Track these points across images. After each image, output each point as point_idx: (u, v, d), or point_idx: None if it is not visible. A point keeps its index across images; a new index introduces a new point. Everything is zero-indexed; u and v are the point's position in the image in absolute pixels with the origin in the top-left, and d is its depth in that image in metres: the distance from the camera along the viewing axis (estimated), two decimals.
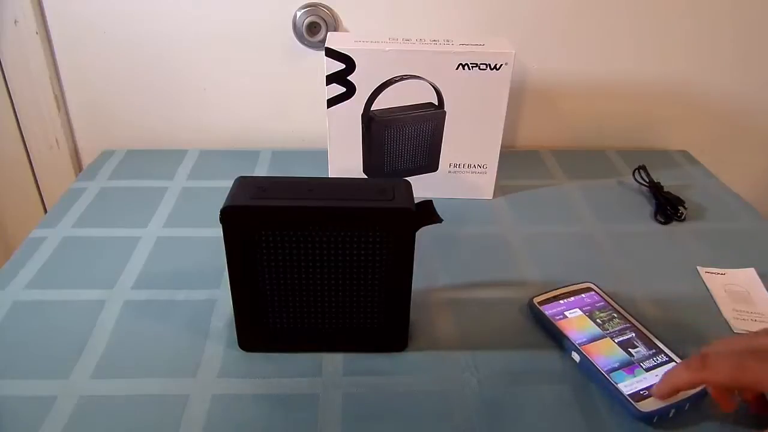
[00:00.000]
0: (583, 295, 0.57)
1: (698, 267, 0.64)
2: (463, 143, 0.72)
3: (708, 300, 0.60)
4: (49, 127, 0.86)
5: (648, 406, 0.46)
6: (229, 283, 0.48)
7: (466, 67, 0.67)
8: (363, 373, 0.50)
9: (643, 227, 0.71)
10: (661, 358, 0.50)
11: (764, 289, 0.61)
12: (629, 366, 0.50)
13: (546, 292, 0.57)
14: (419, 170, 0.74)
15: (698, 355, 0.43)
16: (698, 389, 0.47)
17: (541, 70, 0.87)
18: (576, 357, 0.51)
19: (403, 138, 0.72)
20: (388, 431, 0.46)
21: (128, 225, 0.69)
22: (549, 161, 0.86)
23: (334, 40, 0.67)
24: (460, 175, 0.75)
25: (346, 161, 0.73)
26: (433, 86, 0.68)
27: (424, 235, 0.68)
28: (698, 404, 0.47)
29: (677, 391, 0.45)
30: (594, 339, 0.52)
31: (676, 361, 0.50)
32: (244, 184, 0.47)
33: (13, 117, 0.85)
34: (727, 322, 0.56)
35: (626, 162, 0.86)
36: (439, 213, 0.47)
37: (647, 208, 0.75)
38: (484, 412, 0.47)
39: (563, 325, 0.53)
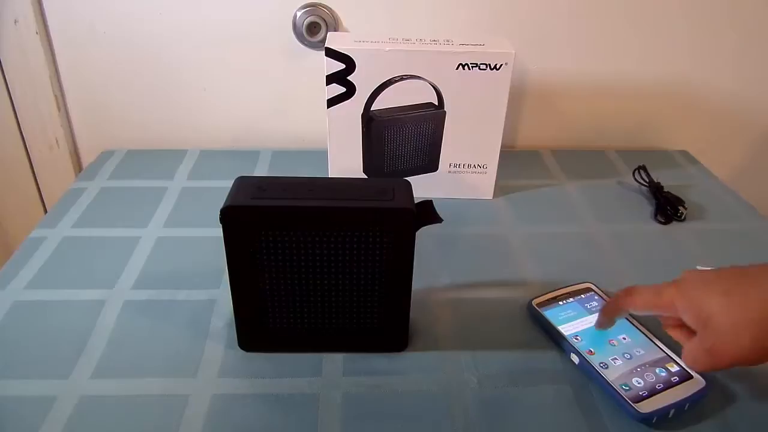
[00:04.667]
0: (582, 296, 0.57)
1: (698, 267, 0.64)
2: (463, 143, 0.72)
3: None
4: (49, 127, 0.86)
5: (647, 407, 0.46)
6: (229, 283, 0.48)
7: (466, 67, 0.67)
8: (363, 373, 0.50)
9: (643, 227, 0.71)
10: (660, 359, 0.50)
11: None
12: (629, 367, 0.50)
13: (545, 294, 0.57)
14: (419, 170, 0.74)
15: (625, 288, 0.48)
16: (696, 391, 0.47)
17: (541, 70, 0.87)
18: (575, 358, 0.51)
19: (403, 138, 0.72)
20: (388, 431, 0.46)
21: (128, 225, 0.69)
22: (549, 161, 0.86)
23: (334, 40, 0.67)
24: (460, 175, 0.75)
25: (346, 161, 0.73)
26: (433, 86, 0.68)
27: (424, 235, 0.68)
28: (698, 404, 0.47)
29: (611, 317, 0.51)
30: (593, 340, 0.52)
31: (676, 361, 0.50)
32: (244, 184, 0.47)
33: (13, 117, 0.85)
34: None
35: (626, 162, 0.86)
36: (439, 213, 0.47)
37: (647, 208, 0.75)
38: (484, 412, 0.47)
39: (562, 327, 0.53)
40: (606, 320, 0.51)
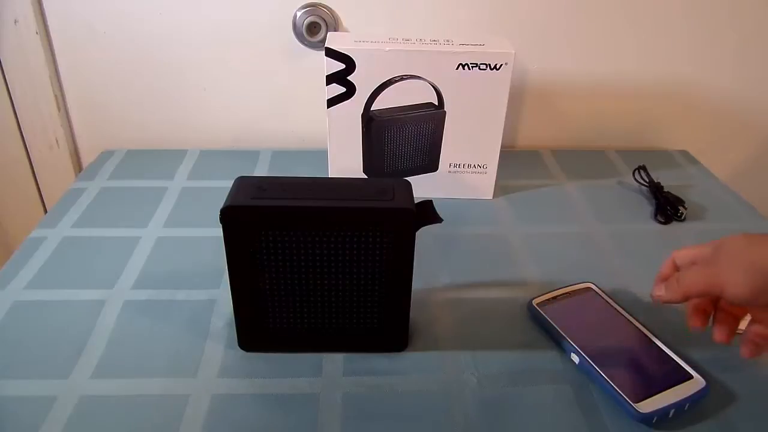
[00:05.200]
0: (582, 296, 0.57)
1: None
2: (463, 143, 0.72)
3: None
4: (49, 127, 0.86)
5: (647, 407, 0.46)
6: (229, 283, 0.48)
7: (466, 67, 0.67)
8: (363, 373, 0.50)
9: (643, 227, 0.71)
10: (661, 358, 0.50)
11: None
12: (629, 367, 0.50)
13: (545, 293, 0.57)
14: (419, 170, 0.74)
15: (673, 278, 0.47)
16: (696, 391, 0.47)
17: (541, 70, 0.87)
18: (575, 358, 0.51)
19: (403, 138, 0.72)
20: (388, 431, 0.46)
21: (128, 225, 0.69)
22: (549, 161, 0.86)
23: (334, 40, 0.67)
24: (460, 175, 0.75)
25: (346, 161, 0.73)
26: (433, 86, 0.68)
27: (424, 235, 0.68)
28: (698, 404, 0.47)
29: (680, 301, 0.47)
30: (593, 340, 0.52)
31: (676, 361, 0.50)
32: (244, 184, 0.47)
33: (13, 117, 0.85)
34: None
35: (626, 162, 0.86)
36: (439, 213, 0.47)
37: (647, 208, 0.75)
38: (484, 412, 0.47)
39: (562, 327, 0.53)
40: (678, 300, 0.47)
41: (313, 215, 0.45)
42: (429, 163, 0.74)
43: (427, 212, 0.47)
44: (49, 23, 0.80)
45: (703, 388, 0.48)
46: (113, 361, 0.51)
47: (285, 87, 0.86)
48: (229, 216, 0.45)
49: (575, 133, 0.92)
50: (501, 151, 0.73)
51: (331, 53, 0.66)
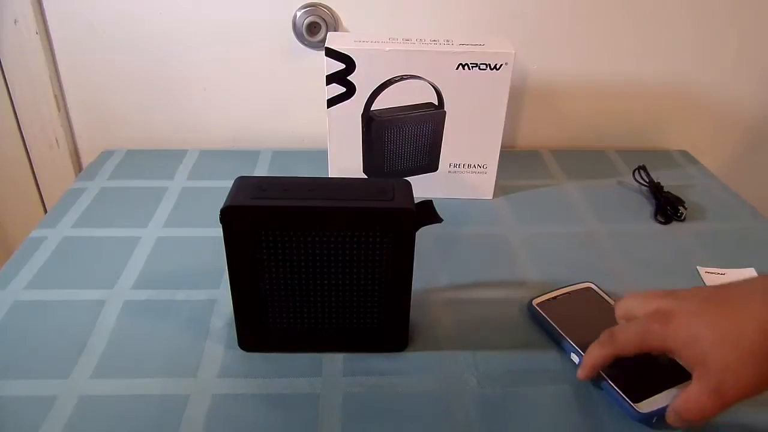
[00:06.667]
0: (583, 296, 0.57)
1: (698, 267, 0.64)
2: (463, 143, 0.72)
3: None
4: (49, 127, 0.86)
5: (647, 407, 0.46)
6: (229, 283, 0.48)
7: (466, 67, 0.67)
8: (363, 373, 0.50)
9: (643, 227, 0.71)
10: (661, 359, 0.50)
11: None
12: (629, 367, 0.49)
13: (545, 293, 0.57)
14: (419, 170, 0.74)
15: (607, 331, 0.46)
16: None
17: (541, 70, 0.87)
18: (575, 359, 0.51)
19: (403, 138, 0.72)
20: (388, 431, 0.46)
21: (128, 225, 0.69)
22: (549, 161, 0.86)
23: (334, 40, 0.67)
24: (460, 175, 0.75)
25: (346, 161, 0.73)
26: (433, 86, 0.68)
27: (424, 235, 0.68)
28: None
29: (596, 369, 0.47)
30: (593, 340, 0.52)
31: (676, 361, 0.50)
32: (244, 184, 0.47)
33: (13, 117, 0.85)
34: None
35: (626, 162, 0.86)
36: (439, 213, 0.47)
37: (647, 208, 0.75)
38: (484, 412, 0.47)
39: (562, 327, 0.53)
40: (592, 372, 0.47)
41: (313, 215, 0.45)
42: (429, 163, 0.74)
43: (427, 212, 0.47)
44: (49, 23, 0.80)
45: None
46: (113, 361, 0.51)
47: (285, 87, 0.86)
48: (229, 216, 0.45)
49: (575, 133, 0.92)
50: (501, 151, 0.73)
51: (331, 53, 0.66)
